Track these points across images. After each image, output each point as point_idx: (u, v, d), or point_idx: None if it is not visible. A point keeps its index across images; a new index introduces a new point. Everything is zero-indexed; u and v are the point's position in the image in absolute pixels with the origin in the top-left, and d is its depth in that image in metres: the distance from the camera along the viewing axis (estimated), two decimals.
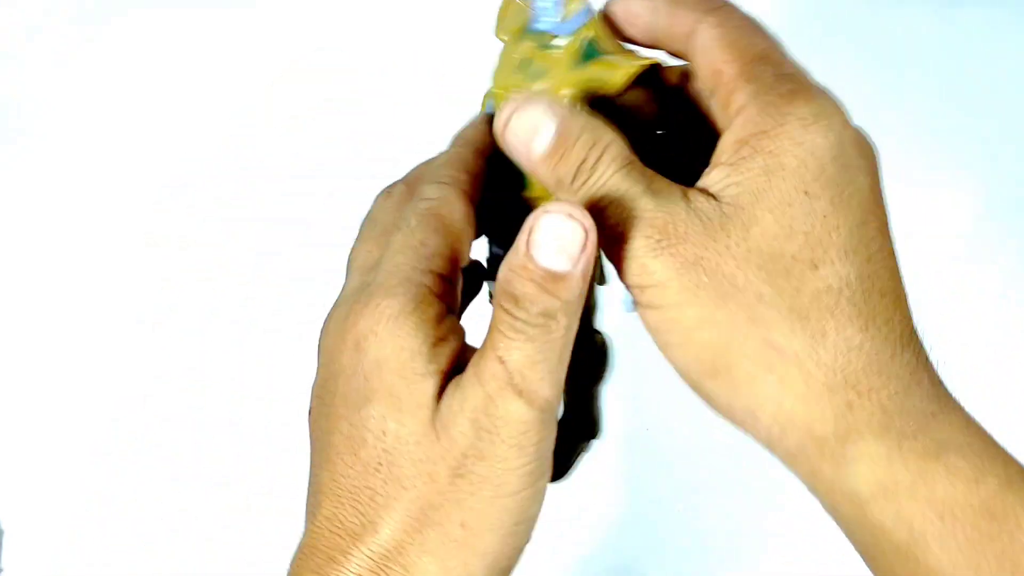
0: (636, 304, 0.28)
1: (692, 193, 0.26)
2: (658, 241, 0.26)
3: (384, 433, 0.27)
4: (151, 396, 0.65)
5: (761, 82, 0.26)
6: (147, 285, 0.67)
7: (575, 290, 0.26)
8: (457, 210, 0.29)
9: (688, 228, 0.26)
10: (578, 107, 0.29)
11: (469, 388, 0.26)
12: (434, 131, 0.36)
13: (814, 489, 0.26)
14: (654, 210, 0.26)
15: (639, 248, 0.26)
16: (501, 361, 0.26)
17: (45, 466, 0.64)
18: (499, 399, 0.26)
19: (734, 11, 0.29)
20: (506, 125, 0.27)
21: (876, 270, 0.26)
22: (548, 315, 0.26)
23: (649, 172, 0.27)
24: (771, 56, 0.27)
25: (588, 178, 0.27)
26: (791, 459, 0.26)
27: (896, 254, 0.27)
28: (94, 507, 0.62)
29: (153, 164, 0.70)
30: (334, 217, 0.42)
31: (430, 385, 0.27)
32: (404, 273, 0.28)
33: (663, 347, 0.27)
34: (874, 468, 0.24)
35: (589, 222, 0.25)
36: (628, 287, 0.27)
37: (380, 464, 0.27)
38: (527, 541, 0.28)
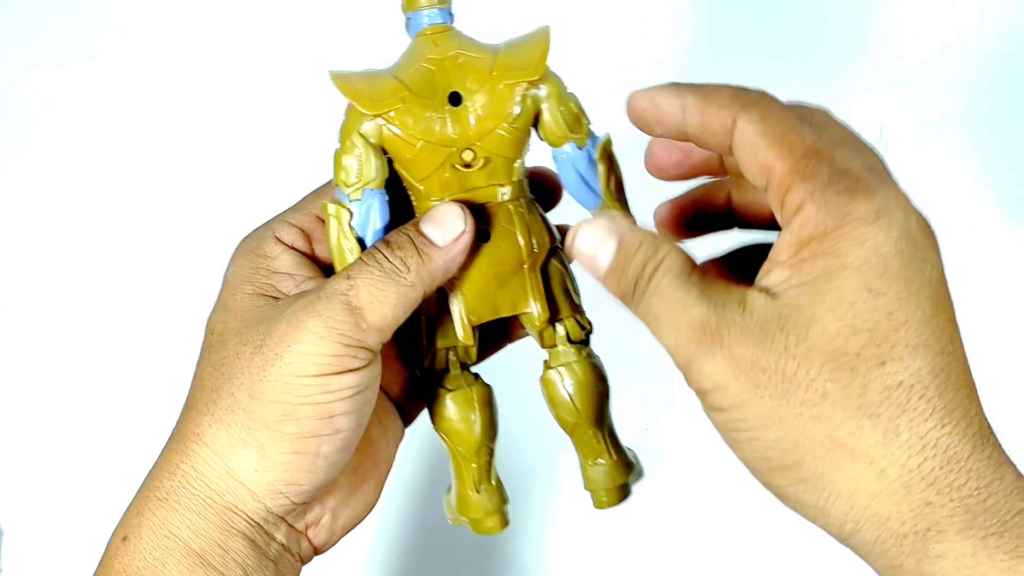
0: (704, 408, 0.29)
1: (750, 294, 0.27)
2: (711, 345, 0.26)
3: (212, 331, 0.35)
4: (152, 396, 0.65)
5: (817, 180, 0.26)
6: (147, 285, 0.67)
7: (436, 261, 0.34)
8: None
9: (743, 331, 0.26)
10: (638, 227, 0.30)
11: (309, 294, 0.33)
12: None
13: None
14: (707, 315, 0.27)
15: (695, 353, 0.27)
16: (349, 278, 0.33)
17: (45, 466, 0.64)
18: (327, 299, 0.32)
19: (773, 103, 0.28)
20: (572, 242, 0.31)
21: (948, 363, 0.25)
22: (404, 263, 0.33)
23: (707, 277, 0.28)
24: (823, 151, 0.27)
25: (647, 289, 0.29)
26: (867, 553, 0.26)
27: (961, 341, 0.26)
28: (94, 507, 0.62)
29: (153, 164, 0.70)
30: None
31: (254, 299, 0.34)
32: (266, 223, 0.38)
33: (730, 444, 0.28)
34: (960, 566, 0.24)
35: (470, 224, 0.34)
36: (696, 394, 0.28)
37: (210, 352, 0.35)
38: (325, 436, 0.33)
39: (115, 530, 0.35)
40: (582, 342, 0.38)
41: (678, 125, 0.30)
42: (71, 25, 0.73)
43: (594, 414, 0.37)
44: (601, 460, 0.38)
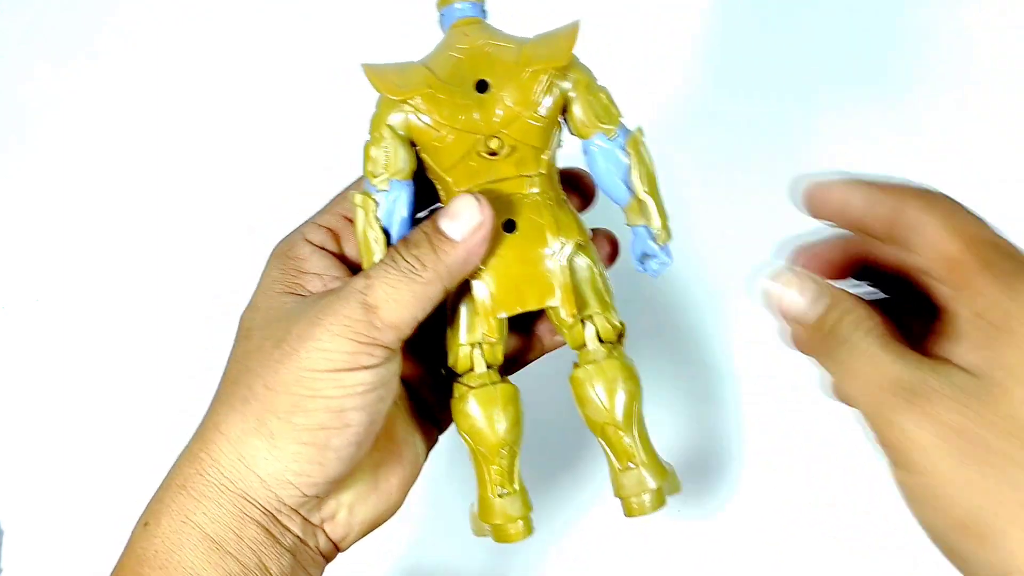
0: (890, 465, 0.30)
1: (938, 363, 0.29)
2: (917, 406, 0.28)
3: (241, 328, 0.37)
4: (152, 396, 0.65)
5: (998, 267, 0.28)
6: (147, 285, 0.67)
7: (452, 257, 0.34)
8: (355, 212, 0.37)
9: (949, 397, 0.28)
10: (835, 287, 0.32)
11: (330, 293, 0.34)
12: None
13: None
14: (911, 376, 0.28)
15: (898, 411, 0.28)
16: (367, 277, 0.34)
17: (45, 466, 0.64)
18: (344, 298, 0.33)
19: (942, 196, 0.31)
20: (767, 284, 0.32)
21: None
22: (419, 261, 0.34)
23: (899, 342, 0.30)
24: (999, 243, 0.29)
25: (850, 339, 0.30)
26: None
27: None
28: (94, 507, 0.62)
29: (154, 164, 0.70)
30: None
31: (282, 297, 0.36)
32: (298, 227, 0.39)
33: (913, 504, 0.29)
34: None
35: (488, 214, 0.34)
36: (885, 450, 0.29)
37: (236, 347, 0.36)
38: (334, 429, 0.33)
39: (139, 517, 0.36)
40: (612, 343, 0.37)
41: (847, 215, 0.32)
42: (71, 25, 0.73)
43: (624, 414, 0.37)
44: (632, 464, 0.37)
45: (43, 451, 0.64)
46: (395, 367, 0.35)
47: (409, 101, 0.35)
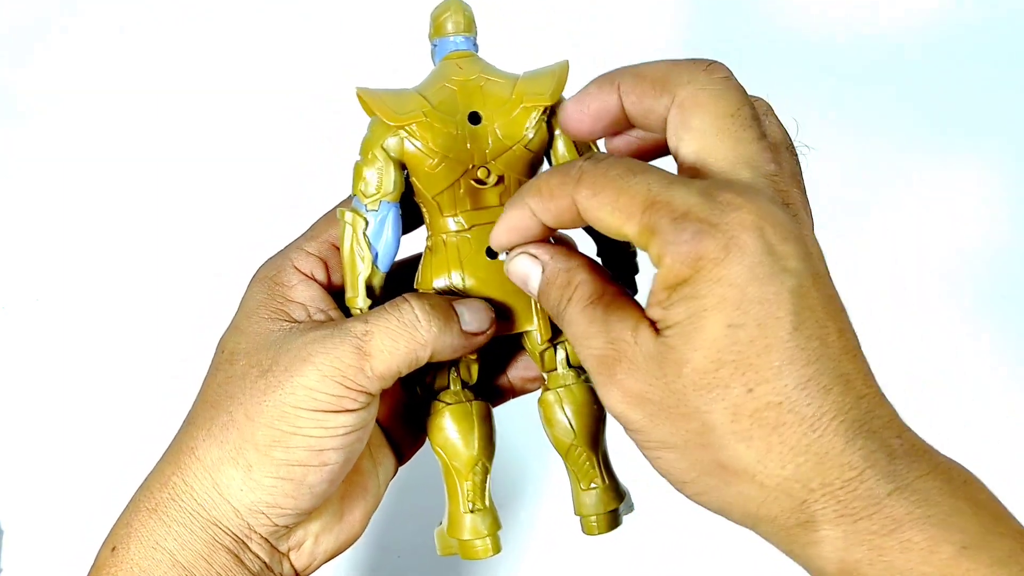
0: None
1: (640, 328, 0.29)
2: (608, 377, 0.30)
3: (223, 351, 0.36)
4: (152, 396, 0.65)
5: (663, 233, 0.28)
6: (147, 285, 0.67)
7: (454, 336, 0.35)
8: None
9: (632, 366, 0.29)
10: (560, 254, 0.33)
11: (324, 329, 0.34)
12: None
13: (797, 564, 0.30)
14: (604, 348, 0.30)
15: (598, 382, 0.30)
16: (366, 322, 0.34)
17: (45, 466, 0.64)
18: (339, 338, 0.33)
19: (598, 168, 0.30)
20: (507, 267, 0.34)
21: (817, 370, 0.27)
22: (427, 319, 0.34)
23: (612, 305, 0.31)
24: (658, 198, 0.28)
25: (564, 314, 0.32)
26: (769, 541, 0.30)
27: (846, 328, 0.28)
28: (94, 507, 0.62)
29: (154, 165, 0.70)
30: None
31: (269, 323, 0.35)
32: (283, 250, 0.38)
33: (648, 459, 0.31)
34: (834, 549, 0.27)
35: (492, 331, 0.36)
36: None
37: (217, 370, 0.36)
38: (311, 467, 0.33)
39: (105, 540, 0.35)
40: (580, 367, 0.39)
41: (547, 231, 0.33)
42: (73, 25, 0.73)
43: (589, 436, 0.38)
44: (594, 484, 0.39)
45: (43, 451, 0.64)
46: (375, 411, 0.35)
47: (405, 127, 0.36)
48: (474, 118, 0.36)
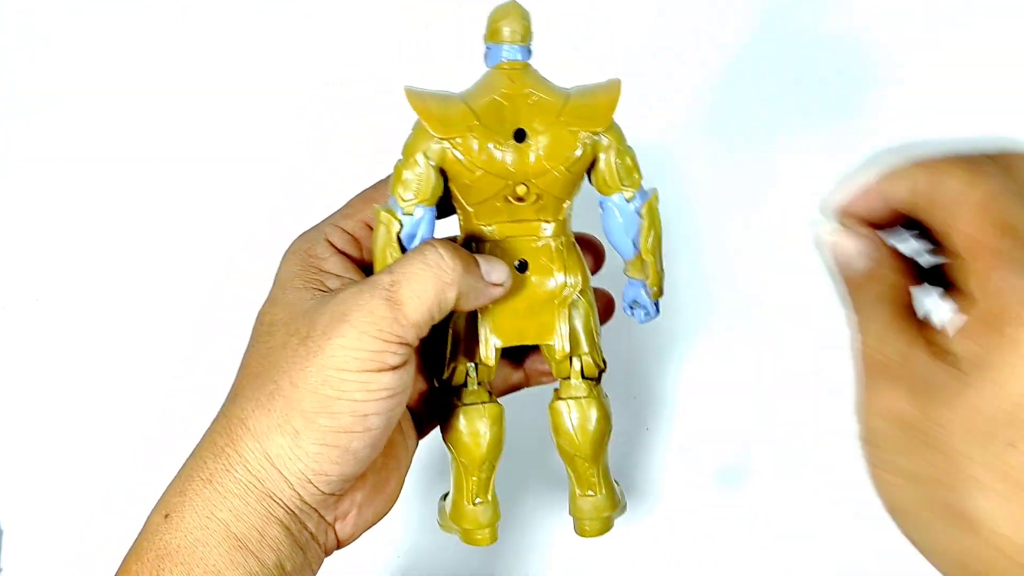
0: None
1: (927, 347, 0.28)
2: (876, 380, 0.28)
3: (262, 323, 0.37)
4: (152, 396, 0.65)
5: (1007, 259, 0.26)
6: (148, 285, 0.67)
7: (475, 276, 0.35)
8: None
9: (909, 382, 0.27)
10: (886, 249, 0.31)
11: (352, 287, 0.35)
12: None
13: None
14: (889, 354, 0.28)
15: (866, 383, 0.29)
16: (391, 273, 0.34)
17: (45, 466, 0.64)
18: (368, 293, 0.34)
19: (989, 172, 0.28)
20: (830, 241, 0.31)
21: None
22: (451, 260, 0.34)
23: (911, 314, 0.29)
24: (1021, 226, 0.27)
25: (865, 305, 0.30)
26: None
27: None
28: (94, 507, 0.62)
29: (154, 164, 0.70)
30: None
31: (303, 292, 0.36)
32: (317, 226, 0.39)
33: (872, 477, 0.29)
34: None
35: (510, 285, 0.37)
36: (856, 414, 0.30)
37: (258, 342, 0.36)
38: (356, 433, 0.34)
39: (156, 507, 0.36)
40: (594, 379, 0.40)
41: (888, 214, 0.30)
42: (73, 23, 0.73)
43: (593, 449, 0.39)
44: (592, 492, 0.40)
45: (43, 451, 0.64)
46: (412, 371, 0.36)
47: (449, 140, 0.36)
48: (519, 135, 0.37)
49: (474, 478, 0.39)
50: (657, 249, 0.39)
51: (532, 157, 0.37)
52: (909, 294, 0.31)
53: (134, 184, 0.70)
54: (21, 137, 0.71)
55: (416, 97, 0.36)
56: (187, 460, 0.36)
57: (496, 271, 0.37)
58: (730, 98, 0.68)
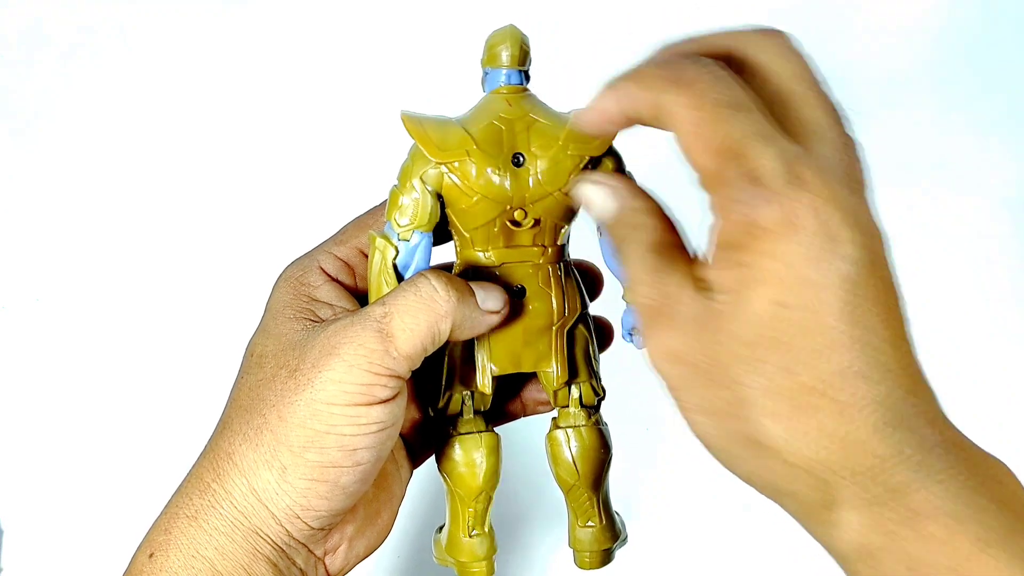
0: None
1: (690, 285, 0.29)
2: (652, 328, 0.29)
3: (252, 354, 0.36)
4: (152, 396, 0.65)
5: (730, 187, 0.27)
6: (147, 285, 0.67)
7: (471, 309, 0.35)
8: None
9: (676, 324, 0.29)
10: (634, 193, 0.33)
11: (343, 319, 0.34)
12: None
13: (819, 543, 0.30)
14: (654, 297, 0.30)
15: (643, 331, 0.30)
16: (383, 304, 0.34)
17: (45, 466, 0.64)
18: (360, 325, 0.33)
19: (706, 83, 0.28)
20: (580, 190, 0.34)
21: (858, 357, 0.27)
22: (445, 291, 0.34)
23: (669, 255, 0.30)
24: (736, 147, 0.27)
25: (624, 251, 0.32)
26: (791, 516, 0.30)
27: (894, 318, 0.28)
28: (94, 507, 0.62)
29: (154, 164, 0.70)
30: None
31: (294, 323, 0.35)
32: (310, 252, 0.38)
33: (686, 422, 0.30)
34: (853, 533, 0.28)
35: (505, 312, 0.36)
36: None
37: (247, 374, 0.35)
38: (345, 468, 0.33)
39: (140, 546, 0.35)
40: (592, 407, 0.39)
41: (628, 121, 0.31)
42: (73, 24, 0.73)
43: (592, 479, 0.39)
44: (591, 523, 0.39)
45: (43, 451, 0.64)
46: (403, 403, 0.35)
47: (447, 164, 0.36)
48: (517, 159, 0.36)
49: (470, 509, 0.38)
50: None
51: (531, 182, 0.36)
52: (674, 232, 0.31)
53: (134, 184, 0.70)
54: (21, 138, 0.71)
55: (413, 122, 0.36)
56: (173, 496, 0.35)
57: (492, 299, 0.36)
58: None
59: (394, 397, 0.34)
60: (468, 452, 0.38)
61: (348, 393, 0.33)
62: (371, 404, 0.33)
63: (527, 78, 0.38)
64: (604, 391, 0.40)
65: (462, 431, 0.38)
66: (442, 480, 0.39)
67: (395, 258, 0.36)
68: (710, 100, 0.28)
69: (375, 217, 0.39)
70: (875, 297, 0.27)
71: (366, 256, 0.38)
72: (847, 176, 0.28)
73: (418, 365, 0.34)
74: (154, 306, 0.67)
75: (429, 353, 0.34)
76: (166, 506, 0.35)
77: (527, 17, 0.53)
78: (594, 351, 0.40)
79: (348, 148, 0.68)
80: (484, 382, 0.38)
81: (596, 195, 0.33)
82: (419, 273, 0.35)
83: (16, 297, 0.68)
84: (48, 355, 0.66)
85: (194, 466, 0.35)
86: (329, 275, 0.38)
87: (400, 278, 0.36)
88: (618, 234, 0.32)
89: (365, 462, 0.34)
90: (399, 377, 0.34)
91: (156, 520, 0.35)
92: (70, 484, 0.63)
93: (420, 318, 0.33)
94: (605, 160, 0.37)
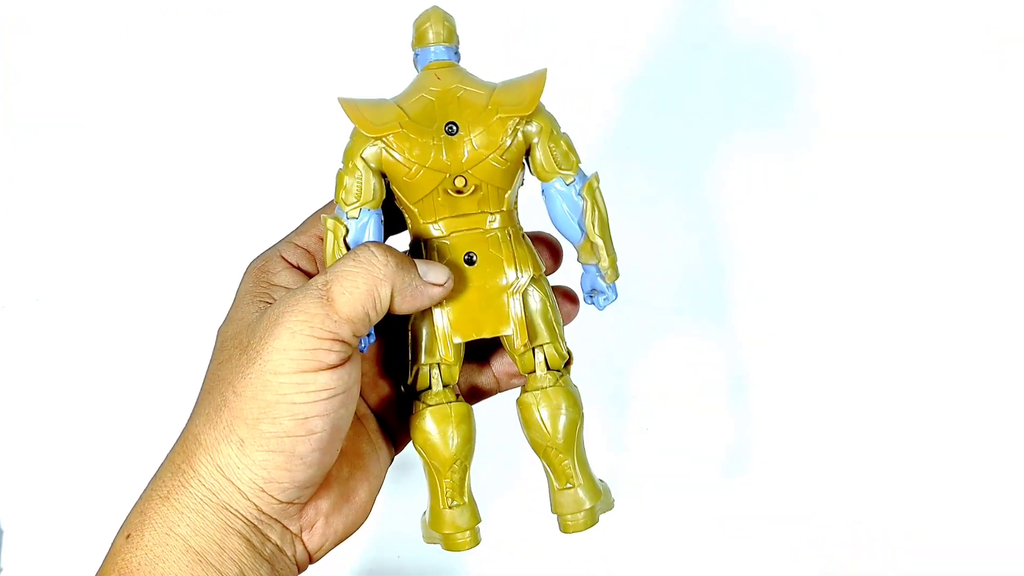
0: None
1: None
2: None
3: (217, 341, 0.38)
4: (151, 396, 0.65)
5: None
6: (147, 285, 0.67)
7: (409, 275, 0.36)
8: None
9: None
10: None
11: (289, 292, 0.36)
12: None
13: None
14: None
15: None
16: (326, 273, 0.35)
17: (45, 466, 0.64)
18: (301, 295, 0.35)
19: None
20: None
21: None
22: (382, 256, 0.35)
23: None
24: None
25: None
26: None
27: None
28: (94, 507, 0.62)
29: (154, 165, 0.70)
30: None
31: (251, 307, 0.37)
32: (274, 245, 0.40)
33: None
34: None
35: (449, 287, 0.38)
36: None
37: (212, 360, 0.37)
38: (299, 437, 0.34)
39: (120, 528, 0.36)
40: (558, 370, 0.40)
41: None
42: (72, 24, 0.73)
43: (566, 439, 0.39)
44: (569, 485, 0.39)
45: (43, 451, 0.64)
46: (355, 373, 0.36)
47: (383, 138, 0.37)
48: (451, 128, 0.37)
49: (447, 480, 0.39)
50: (605, 231, 0.39)
51: (466, 149, 0.37)
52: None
53: (134, 184, 0.70)
54: (21, 138, 0.71)
55: (348, 104, 0.38)
56: (150, 481, 0.36)
57: (434, 272, 0.37)
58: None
59: (343, 363, 0.34)
60: (439, 422, 0.39)
61: (293, 360, 0.34)
62: (319, 371, 0.34)
63: (457, 56, 0.40)
64: (570, 353, 0.40)
65: (430, 403, 0.39)
66: (419, 457, 0.40)
67: (346, 235, 0.38)
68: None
69: (332, 205, 0.40)
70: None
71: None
72: None
73: (364, 332, 0.35)
74: (154, 306, 0.67)
75: (374, 321, 0.35)
76: (143, 491, 0.36)
77: (527, 17, 0.54)
78: (556, 314, 0.40)
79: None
80: (447, 351, 0.39)
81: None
82: (359, 244, 0.37)
83: (16, 297, 0.68)
84: (48, 355, 0.66)
85: (169, 452, 0.37)
86: (289, 262, 0.39)
87: None
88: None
89: (319, 430, 0.34)
90: (343, 341, 0.34)
91: (134, 505, 0.36)
92: (70, 484, 0.63)
93: (359, 281, 0.35)
94: (536, 119, 0.38)
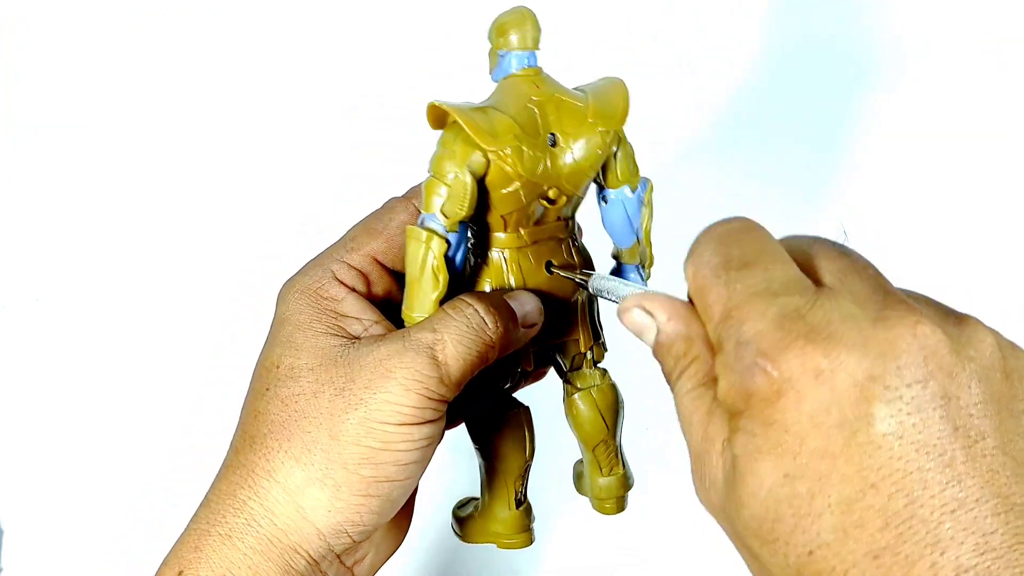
0: None
1: (727, 447, 0.27)
2: (696, 472, 0.28)
3: (278, 366, 0.35)
4: (152, 396, 0.65)
5: (725, 352, 0.26)
6: (147, 285, 0.67)
7: (513, 334, 0.36)
8: (393, 218, 0.38)
9: (711, 477, 0.27)
10: (679, 317, 0.30)
11: (392, 339, 0.35)
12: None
13: None
14: (699, 443, 0.28)
15: (694, 474, 0.28)
16: (434, 331, 0.35)
17: (45, 466, 0.64)
18: (414, 351, 0.34)
19: (703, 251, 0.28)
20: (623, 316, 0.32)
21: (887, 536, 0.23)
22: (495, 323, 0.35)
23: (713, 404, 0.28)
24: (732, 312, 0.26)
25: (673, 385, 0.30)
26: None
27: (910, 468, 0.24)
28: (94, 507, 0.62)
29: (153, 164, 0.70)
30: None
31: (327, 338, 0.35)
32: (318, 261, 0.38)
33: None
34: None
35: (541, 321, 0.37)
36: None
37: (277, 386, 0.35)
38: (398, 482, 0.34)
39: (167, 561, 0.35)
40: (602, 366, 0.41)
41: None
42: (72, 24, 0.73)
43: (616, 431, 0.41)
44: (615, 471, 0.41)
45: (43, 451, 0.64)
46: (444, 418, 0.36)
47: (499, 151, 0.36)
48: (552, 140, 0.37)
49: (519, 482, 0.40)
50: (649, 234, 0.40)
51: (568, 159, 0.37)
52: (711, 367, 0.29)
53: (134, 184, 0.70)
54: (21, 138, 0.71)
55: (459, 112, 0.35)
56: (200, 510, 0.35)
57: (531, 314, 0.37)
58: (719, 98, 0.68)
59: (442, 416, 0.35)
60: (515, 427, 0.40)
61: (401, 414, 0.34)
62: (423, 423, 0.34)
63: (536, 59, 0.39)
64: (606, 347, 0.42)
65: (506, 410, 0.40)
66: (478, 460, 0.40)
67: (447, 251, 0.36)
68: (704, 264, 0.28)
69: (382, 221, 0.39)
70: (901, 458, 0.24)
71: (380, 264, 0.38)
72: (878, 304, 0.25)
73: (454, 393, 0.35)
74: (154, 306, 0.67)
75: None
76: (193, 521, 0.35)
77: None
78: (598, 310, 0.41)
79: (342, 150, 0.68)
80: (527, 360, 0.39)
81: (636, 320, 0.31)
82: (461, 299, 0.36)
83: (16, 297, 0.68)
84: (48, 355, 0.66)
85: (223, 480, 0.35)
86: (347, 286, 0.37)
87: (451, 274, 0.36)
88: (666, 363, 0.30)
89: (415, 476, 0.35)
90: (447, 401, 0.35)
91: (182, 536, 0.35)
92: (70, 484, 0.63)
93: (472, 349, 0.35)
94: (621, 132, 0.39)
